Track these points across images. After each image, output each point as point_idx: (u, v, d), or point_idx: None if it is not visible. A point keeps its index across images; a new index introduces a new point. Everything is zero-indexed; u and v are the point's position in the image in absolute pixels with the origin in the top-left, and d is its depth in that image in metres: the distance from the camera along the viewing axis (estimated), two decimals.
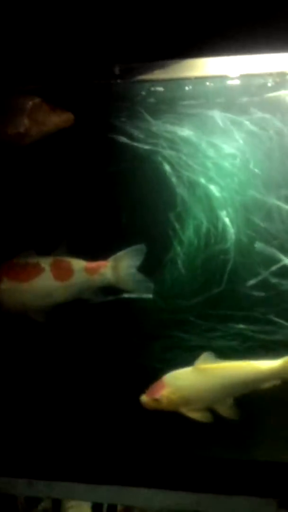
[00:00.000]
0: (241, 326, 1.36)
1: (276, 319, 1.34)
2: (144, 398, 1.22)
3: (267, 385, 1.23)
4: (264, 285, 1.34)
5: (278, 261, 1.33)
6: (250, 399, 1.24)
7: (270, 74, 1.25)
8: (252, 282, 1.34)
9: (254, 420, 1.26)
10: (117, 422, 1.27)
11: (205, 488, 1.18)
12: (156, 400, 1.21)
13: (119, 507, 1.55)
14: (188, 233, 1.37)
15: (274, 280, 1.33)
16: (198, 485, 1.18)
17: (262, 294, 1.33)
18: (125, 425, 1.26)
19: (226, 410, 1.22)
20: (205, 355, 1.24)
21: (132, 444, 1.24)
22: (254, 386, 1.23)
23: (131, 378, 1.32)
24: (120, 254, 1.32)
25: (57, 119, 1.23)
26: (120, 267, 1.31)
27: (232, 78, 1.25)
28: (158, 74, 1.20)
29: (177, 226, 1.36)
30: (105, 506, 1.54)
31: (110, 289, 1.34)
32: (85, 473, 1.22)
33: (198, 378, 1.24)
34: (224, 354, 1.32)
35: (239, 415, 1.22)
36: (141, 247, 1.31)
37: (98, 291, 1.34)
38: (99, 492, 1.24)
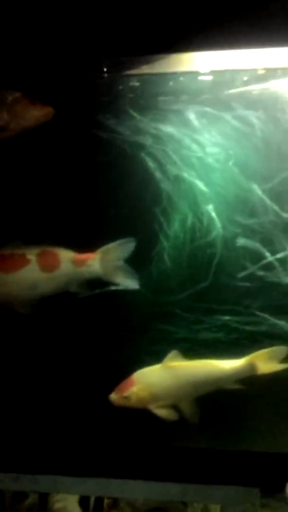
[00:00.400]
0: (227, 318, 1.37)
1: (261, 311, 1.35)
2: (112, 396, 1.22)
3: (232, 385, 1.25)
4: (249, 278, 1.35)
5: (263, 254, 1.34)
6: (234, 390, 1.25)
7: (253, 70, 1.26)
8: (238, 275, 1.35)
9: (236, 411, 1.27)
10: (103, 415, 1.26)
11: (191, 479, 1.18)
12: (125, 397, 1.21)
13: (106, 500, 1.55)
14: (174, 228, 1.38)
15: (259, 273, 1.34)
16: (184, 475, 1.18)
17: (247, 285, 1.34)
18: (111, 418, 1.25)
19: (188, 408, 1.23)
20: (172, 353, 1.25)
21: (118, 437, 1.23)
22: (218, 384, 1.25)
23: (119, 371, 1.32)
24: (108, 246, 1.32)
25: (37, 113, 1.21)
26: (108, 259, 1.31)
27: (214, 73, 1.27)
28: (143, 69, 1.22)
29: (162, 220, 1.38)
30: (92, 499, 1.54)
31: (97, 283, 1.35)
32: (71, 466, 1.22)
33: (166, 376, 1.25)
34: (210, 346, 1.33)
35: (199, 414, 1.23)
36: (130, 240, 1.31)
37: (85, 283, 1.33)
38: (86, 485, 1.24)
